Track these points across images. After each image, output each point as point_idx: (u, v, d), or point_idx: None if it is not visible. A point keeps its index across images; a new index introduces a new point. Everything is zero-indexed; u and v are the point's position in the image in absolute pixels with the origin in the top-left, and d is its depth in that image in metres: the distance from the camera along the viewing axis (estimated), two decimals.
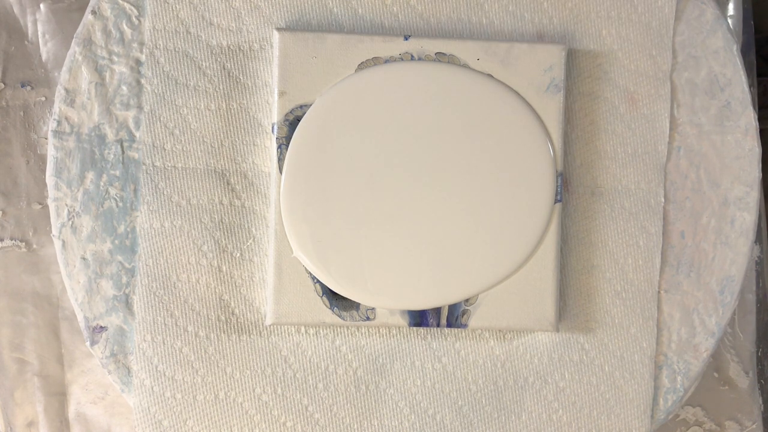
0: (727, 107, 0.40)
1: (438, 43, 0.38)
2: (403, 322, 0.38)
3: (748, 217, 0.40)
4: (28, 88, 0.41)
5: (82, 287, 0.38)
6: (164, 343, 0.38)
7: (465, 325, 0.38)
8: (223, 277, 0.39)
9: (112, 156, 0.38)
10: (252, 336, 0.39)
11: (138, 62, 0.38)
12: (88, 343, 0.38)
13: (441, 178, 0.37)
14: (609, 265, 0.39)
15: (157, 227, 0.38)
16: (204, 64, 0.38)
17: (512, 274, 0.38)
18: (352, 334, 0.39)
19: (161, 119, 0.38)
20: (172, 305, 0.38)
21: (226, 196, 0.39)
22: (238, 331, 0.39)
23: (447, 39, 0.38)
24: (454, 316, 0.38)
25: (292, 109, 0.37)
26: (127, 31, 0.38)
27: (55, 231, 0.38)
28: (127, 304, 0.38)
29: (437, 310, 0.38)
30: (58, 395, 0.41)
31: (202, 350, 0.38)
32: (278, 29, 0.38)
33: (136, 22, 0.39)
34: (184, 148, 0.38)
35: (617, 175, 0.39)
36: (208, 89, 0.39)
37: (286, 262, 0.37)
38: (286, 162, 0.37)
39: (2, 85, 0.41)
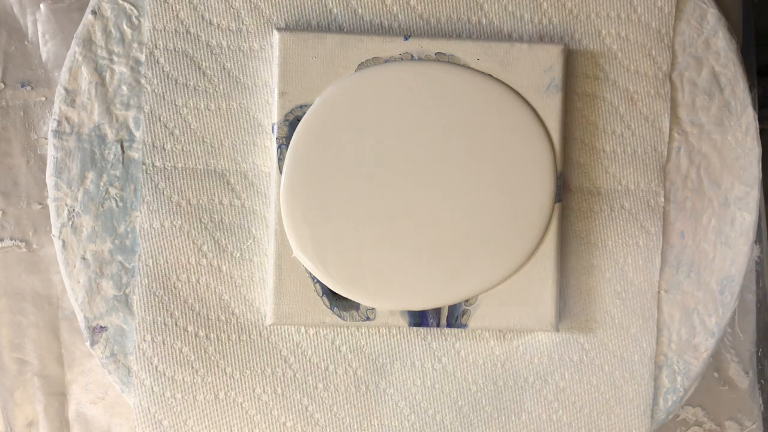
0: (727, 107, 0.40)
1: (438, 43, 0.38)
2: (403, 322, 0.38)
3: (748, 217, 0.40)
4: (28, 88, 0.41)
5: (82, 287, 0.38)
6: (164, 343, 0.38)
7: (465, 325, 0.38)
8: (223, 277, 0.39)
9: (112, 156, 0.38)
10: (252, 336, 0.39)
11: (138, 62, 0.38)
12: (88, 343, 0.38)
13: (441, 178, 0.37)
14: (609, 265, 0.39)
15: (157, 227, 0.38)
16: (204, 64, 0.38)
17: (512, 274, 0.38)
18: (352, 334, 0.39)
19: (161, 119, 0.38)
20: (172, 305, 0.38)
21: (226, 196, 0.39)
22: (238, 331, 0.39)
23: (447, 39, 0.38)
24: (454, 316, 0.38)
25: (292, 109, 0.37)
26: (127, 31, 0.38)
27: (55, 231, 0.38)
28: (127, 304, 0.38)
29: (437, 310, 0.38)
30: (58, 395, 0.41)
31: (202, 350, 0.38)
32: (278, 29, 0.38)
33: (136, 22, 0.39)
34: (184, 148, 0.38)
35: (617, 176, 0.39)
36: (208, 89, 0.39)
37: (286, 262, 0.37)
38: (286, 162, 0.37)
39: (2, 85, 0.41)
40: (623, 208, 0.39)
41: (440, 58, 0.38)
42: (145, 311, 0.38)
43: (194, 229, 0.38)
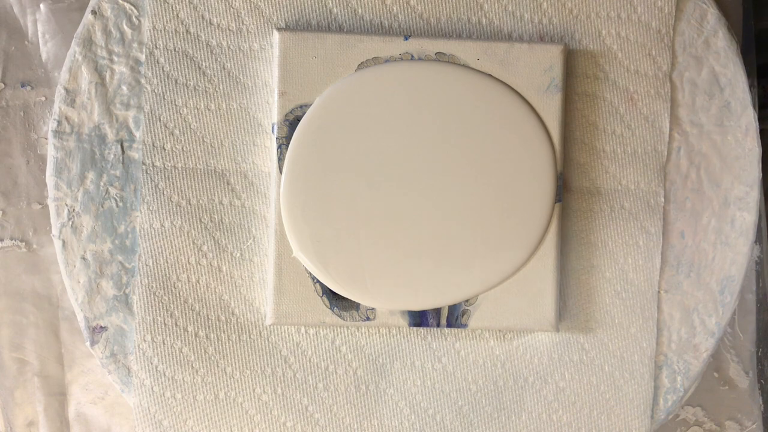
0: (727, 107, 0.40)
1: (438, 43, 0.38)
2: (403, 322, 0.38)
3: (748, 217, 0.40)
4: (28, 88, 0.41)
5: (82, 287, 0.38)
6: (164, 343, 0.38)
7: (465, 325, 0.38)
8: (223, 277, 0.39)
9: (112, 156, 0.38)
10: (252, 336, 0.39)
11: (138, 62, 0.38)
12: (88, 343, 0.38)
13: (441, 178, 0.37)
14: (609, 265, 0.39)
15: (157, 227, 0.38)
16: (204, 64, 0.38)
17: (512, 274, 0.38)
18: (352, 334, 0.39)
19: (161, 119, 0.38)
20: (172, 305, 0.38)
21: (226, 196, 0.39)
22: (238, 331, 0.39)
23: (447, 39, 0.38)
24: (454, 316, 0.38)
25: (292, 109, 0.37)
26: (127, 31, 0.38)
27: (55, 231, 0.38)
28: (127, 304, 0.38)
29: (437, 310, 0.38)
30: (58, 395, 0.41)
31: (202, 350, 0.38)
32: (278, 29, 0.38)
33: (136, 22, 0.39)
34: (184, 148, 0.38)
35: (617, 176, 0.39)
36: (208, 89, 0.39)
37: (286, 262, 0.37)
38: (286, 162, 0.37)
39: (2, 85, 0.41)
40: (623, 208, 0.39)
41: (440, 58, 0.38)
42: (145, 311, 0.38)
43: (194, 229, 0.38)
